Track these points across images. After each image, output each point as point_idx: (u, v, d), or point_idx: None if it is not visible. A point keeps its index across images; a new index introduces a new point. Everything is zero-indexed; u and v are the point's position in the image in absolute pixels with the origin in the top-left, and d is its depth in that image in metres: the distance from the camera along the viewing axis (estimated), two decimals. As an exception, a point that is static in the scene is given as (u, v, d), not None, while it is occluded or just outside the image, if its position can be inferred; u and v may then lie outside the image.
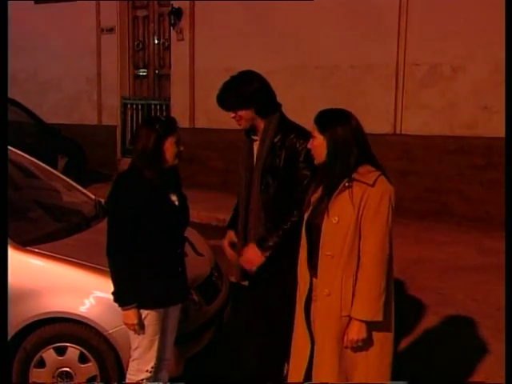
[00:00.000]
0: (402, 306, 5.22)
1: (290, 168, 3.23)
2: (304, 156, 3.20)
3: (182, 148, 3.14)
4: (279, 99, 3.42)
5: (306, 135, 3.26)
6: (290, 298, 3.29)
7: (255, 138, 3.37)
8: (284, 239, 3.22)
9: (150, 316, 3.12)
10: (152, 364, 3.20)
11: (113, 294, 3.12)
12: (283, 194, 3.25)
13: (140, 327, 3.11)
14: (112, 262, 3.10)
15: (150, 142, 3.05)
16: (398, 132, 8.42)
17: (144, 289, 3.10)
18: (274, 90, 3.38)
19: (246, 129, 3.38)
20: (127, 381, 3.27)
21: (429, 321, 4.97)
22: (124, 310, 3.09)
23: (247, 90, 3.25)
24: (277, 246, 3.22)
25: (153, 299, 3.13)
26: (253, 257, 3.25)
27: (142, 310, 3.10)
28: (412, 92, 8.28)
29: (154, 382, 3.26)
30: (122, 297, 3.10)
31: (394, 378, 3.99)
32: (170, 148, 3.08)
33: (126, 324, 3.12)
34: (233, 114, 3.32)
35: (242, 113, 3.28)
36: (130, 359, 3.23)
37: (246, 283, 3.45)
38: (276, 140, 3.27)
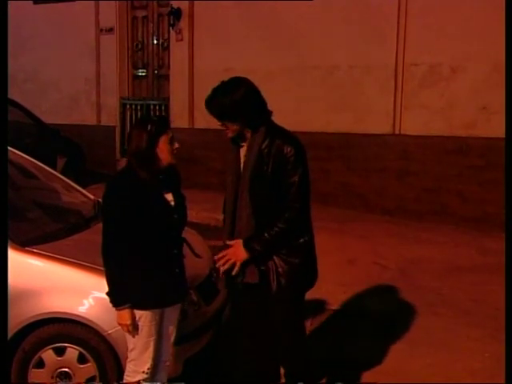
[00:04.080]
0: (401, 305, 5.28)
1: (279, 175, 3.16)
2: (292, 162, 3.15)
3: (177, 145, 3.12)
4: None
5: (294, 141, 3.24)
6: (288, 301, 3.28)
7: (242, 144, 3.30)
8: (270, 246, 3.18)
9: (144, 317, 3.12)
10: (148, 365, 3.19)
11: (107, 293, 3.13)
12: (272, 201, 3.19)
13: (133, 328, 3.10)
14: (106, 261, 3.10)
15: (142, 142, 3.04)
16: (397, 132, 8.41)
17: (138, 289, 3.10)
18: (263, 99, 3.23)
19: (233, 137, 3.30)
20: (124, 382, 3.27)
21: (428, 321, 4.96)
22: (118, 309, 3.10)
23: (231, 103, 3.13)
24: (262, 252, 3.18)
25: (147, 300, 3.12)
26: (237, 252, 3.19)
27: (136, 311, 3.10)
28: (411, 92, 8.27)
29: (151, 382, 3.26)
30: (115, 297, 3.10)
31: (393, 376, 4.01)
32: (164, 147, 3.08)
33: (119, 324, 3.13)
34: (220, 123, 3.25)
35: (228, 124, 3.22)
36: (127, 360, 3.24)
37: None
38: (263, 147, 3.19)
